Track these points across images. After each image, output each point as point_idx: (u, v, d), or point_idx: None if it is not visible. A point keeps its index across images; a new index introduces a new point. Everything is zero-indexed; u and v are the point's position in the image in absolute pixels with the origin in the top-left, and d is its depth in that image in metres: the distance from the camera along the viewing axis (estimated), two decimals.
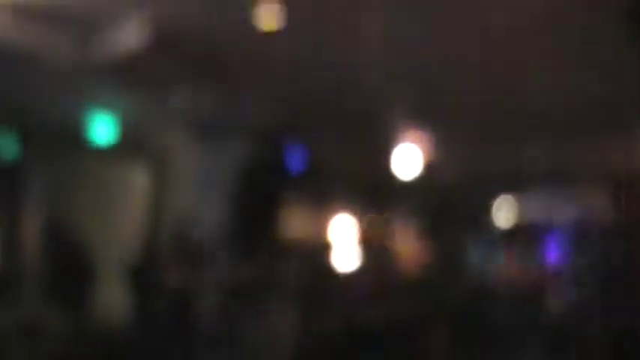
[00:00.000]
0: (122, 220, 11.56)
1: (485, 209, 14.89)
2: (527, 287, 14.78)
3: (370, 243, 9.93)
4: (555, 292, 14.88)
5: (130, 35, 8.38)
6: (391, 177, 11.59)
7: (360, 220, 9.91)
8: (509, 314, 14.10)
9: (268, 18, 7.03)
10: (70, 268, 10.75)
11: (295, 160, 10.32)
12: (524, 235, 15.40)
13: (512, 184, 13.86)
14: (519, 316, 13.92)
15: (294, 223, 9.13)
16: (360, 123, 10.35)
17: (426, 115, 10.19)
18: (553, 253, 15.36)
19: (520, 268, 15.15)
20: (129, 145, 10.70)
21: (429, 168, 11.92)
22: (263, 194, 9.88)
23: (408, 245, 10.93)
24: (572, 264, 14.86)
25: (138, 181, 11.71)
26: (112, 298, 10.97)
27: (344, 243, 10.55)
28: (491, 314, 14.01)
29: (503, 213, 15.15)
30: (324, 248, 8.32)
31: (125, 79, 9.48)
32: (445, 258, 12.82)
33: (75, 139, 10.28)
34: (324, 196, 9.70)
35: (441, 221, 13.25)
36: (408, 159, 11.73)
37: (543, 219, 15.13)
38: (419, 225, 11.85)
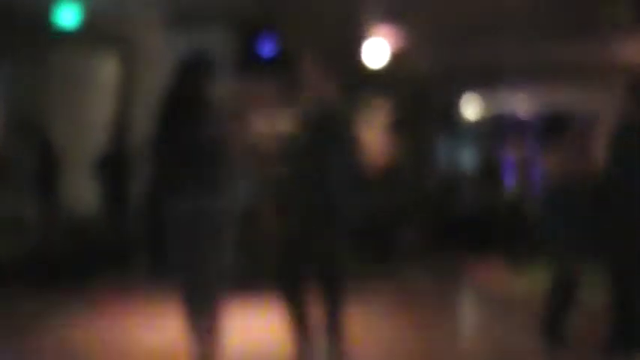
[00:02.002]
0: (90, 111, 11.44)
1: (455, 103, 14.97)
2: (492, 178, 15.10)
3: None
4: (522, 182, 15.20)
5: None
6: (362, 67, 11.60)
7: None
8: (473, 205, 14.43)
9: None
10: (38, 159, 10.63)
11: (267, 47, 10.22)
12: (492, 128, 15.58)
13: (483, 78, 13.93)
14: (484, 206, 14.22)
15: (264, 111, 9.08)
16: (333, 14, 10.26)
17: (399, 9, 10.13)
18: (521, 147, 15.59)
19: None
20: (97, 31, 10.48)
21: (400, 60, 11.92)
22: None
23: (377, 136, 10.97)
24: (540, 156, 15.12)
25: (106, 69, 11.53)
26: (81, 190, 10.94)
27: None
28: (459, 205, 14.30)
29: (473, 106, 15.24)
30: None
31: None
32: (414, 149, 12.93)
33: (40, 25, 10.02)
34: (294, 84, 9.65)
35: (410, 113, 13.29)
36: (379, 51, 11.72)
37: (512, 113, 15.28)
38: (388, 116, 11.88)
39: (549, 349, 6.12)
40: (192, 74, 5.37)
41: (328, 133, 5.39)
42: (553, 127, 6.62)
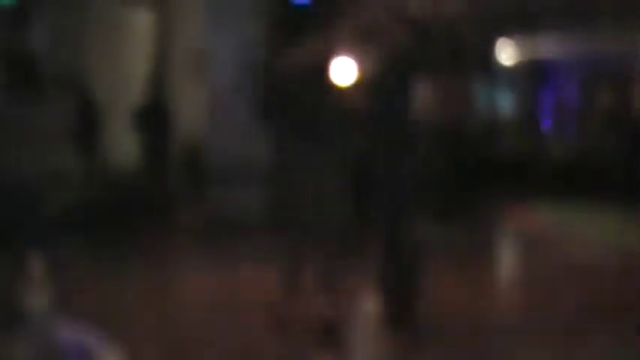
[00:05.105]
0: (128, 63, 11.48)
1: (490, 47, 14.83)
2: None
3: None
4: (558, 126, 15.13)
5: None
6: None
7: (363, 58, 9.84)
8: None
9: None
10: (78, 113, 10.70)
11: None
12: (529, 72, 15.43)
13: (519, 22, 13.75)
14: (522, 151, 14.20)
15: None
16: None
17: None
18: (559, 91, 15.47)
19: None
20: None
21: (435, 4, 11.79)
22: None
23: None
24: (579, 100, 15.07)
25: (143, 21, 11.53)
26: (121, 141, 11.01)
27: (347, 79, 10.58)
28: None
29: (508, 51, 15.09)
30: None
31: None
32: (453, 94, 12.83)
33: None
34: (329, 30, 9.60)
35: (447, 59, 13.15)
36: None
37: (550, 57, 15.12)
38: (425, 63, 11.79)
39: None
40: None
41: (405, 74, 5.18)
42: None
